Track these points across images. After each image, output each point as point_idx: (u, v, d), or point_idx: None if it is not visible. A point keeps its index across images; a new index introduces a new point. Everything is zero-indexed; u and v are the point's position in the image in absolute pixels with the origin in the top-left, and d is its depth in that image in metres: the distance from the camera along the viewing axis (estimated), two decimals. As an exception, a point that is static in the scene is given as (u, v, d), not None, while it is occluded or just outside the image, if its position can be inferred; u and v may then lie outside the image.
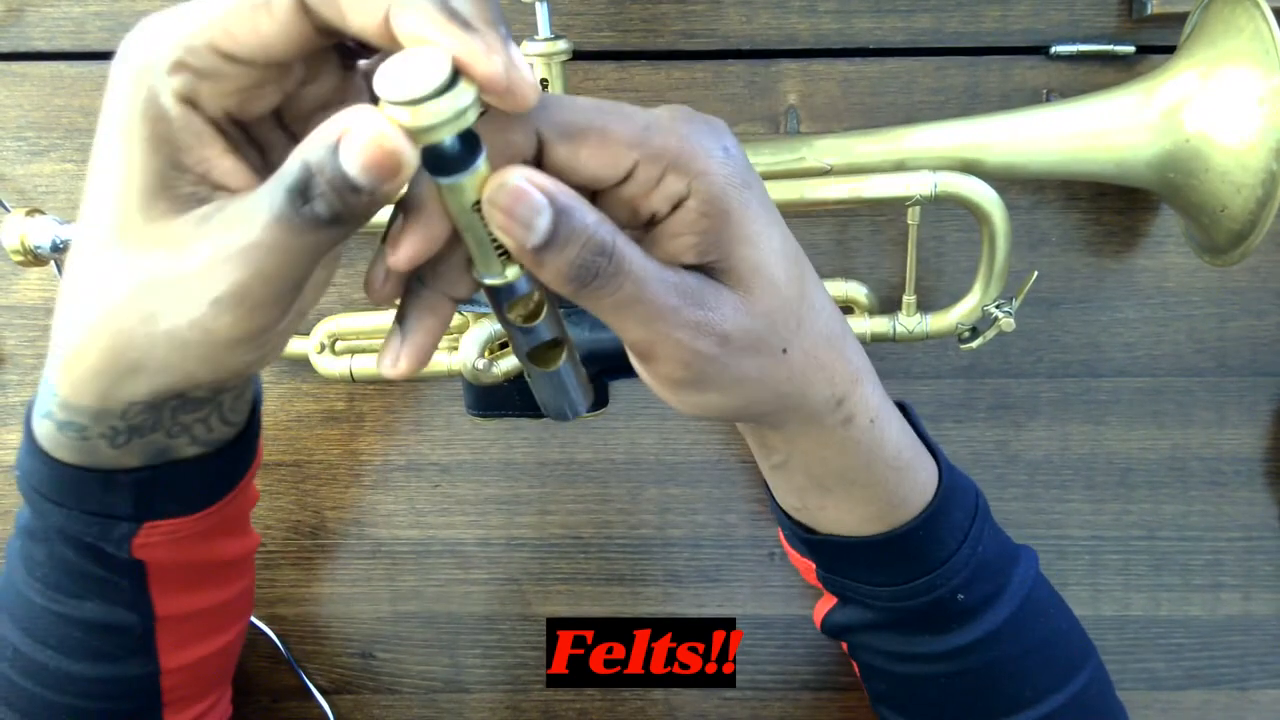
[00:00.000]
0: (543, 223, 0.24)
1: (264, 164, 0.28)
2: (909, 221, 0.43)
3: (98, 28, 0.47)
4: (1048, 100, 0.46)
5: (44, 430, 0.31)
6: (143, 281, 0.27)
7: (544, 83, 0.41)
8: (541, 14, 0.41)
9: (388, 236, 0.26)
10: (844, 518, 0.36)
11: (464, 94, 0.23)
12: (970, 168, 0.43)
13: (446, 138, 0.23)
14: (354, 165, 0.23)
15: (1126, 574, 0.52)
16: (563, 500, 0.52)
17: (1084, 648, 0.40)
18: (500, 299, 0.27)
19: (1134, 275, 0.49)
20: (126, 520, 0.34)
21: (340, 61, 0.28)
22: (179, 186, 0.26)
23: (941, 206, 0.46)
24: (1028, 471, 0.51)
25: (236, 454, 0.35)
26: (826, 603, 0.41)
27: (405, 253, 0.26)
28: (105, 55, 0.47)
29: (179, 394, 0.30)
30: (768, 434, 0.34)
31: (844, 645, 0.42)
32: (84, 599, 0.34)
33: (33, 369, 0.50)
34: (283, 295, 0.26)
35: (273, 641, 0.53)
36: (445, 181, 0.24)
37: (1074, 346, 0.50)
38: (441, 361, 0.46)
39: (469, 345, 0.44)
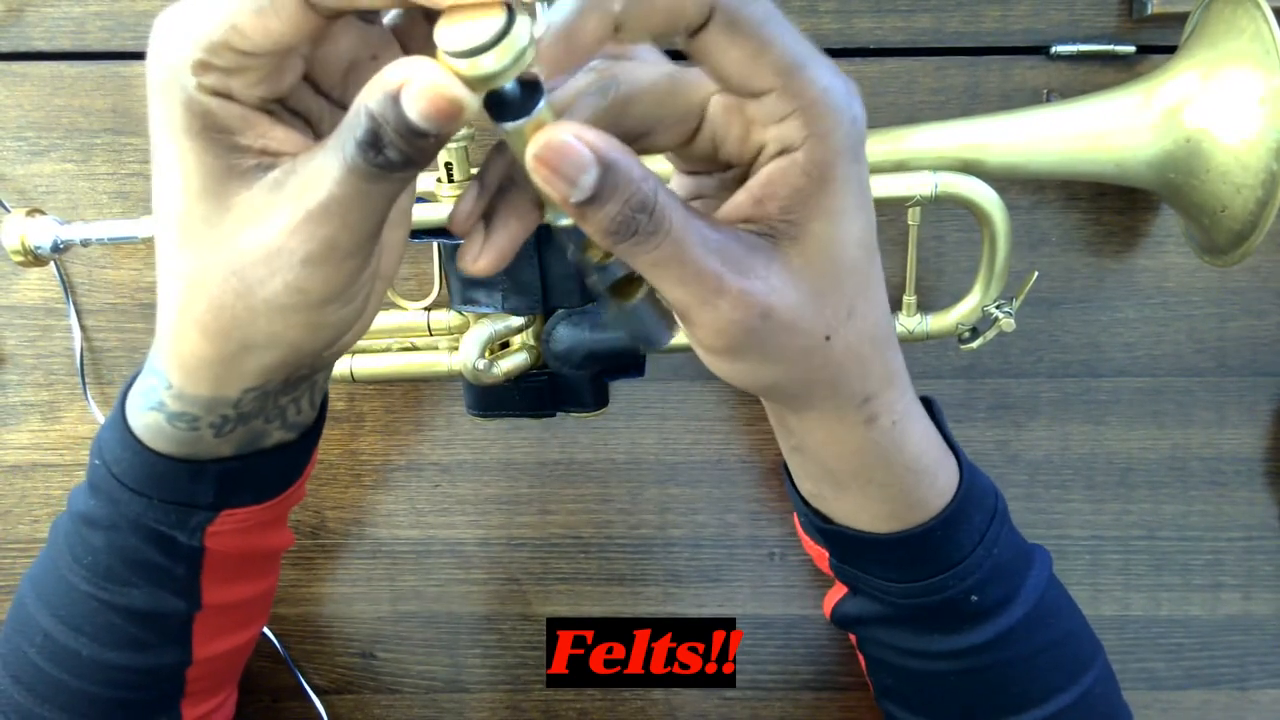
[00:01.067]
0: (588, 180, 0.24)
1: (309, 125, 0.29)
2: (909, 222, 0.43)
3: (98, 28, 0.47)
4: (1048, 100, 0.46)
5: (149, 421, 0.32)
6: (234, 259, 0.27)
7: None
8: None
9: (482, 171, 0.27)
10: (858, 513, 0.36)
11: (516, 41, 0.23)
12: (970, 168, 0.43)
13: (505, 84, 0.23)
14: (416, 112, 0.23)
15: (1126, 574, 0.52)
16: (563, 500, 0.52)
17: (1092, 647, 0.40)
18: (572, 238, 0.27)
19: (1134, 275, 0.49)
20: (206, 509, 0.34)
21: (360, 18, 0.28)
22: (242, 164, 0.27)
23: (941, 206, 0.46)
24: (1028, 471, 0.51)
25: (310, 439, 0.36)
26: (837, 592, 0.41)
27: (491, 176, 0.28)
28: (105, 55, 0.47)
29: (287, 372, 0.31)
30: (788, 416, 0.34)
31: (852, 637, 0.42)
32: (133, 586, 0.34)
33: (32, 369, 0.50)
34: (366, 242, 0.27)
35: (272, 642, 0.53)
36: (506, 126, 0.24)
37: (1074, 346, 0.50)
38: (441, 361, 0.46)
39: (469, 345, 0.44)
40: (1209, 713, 0.52)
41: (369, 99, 0.24)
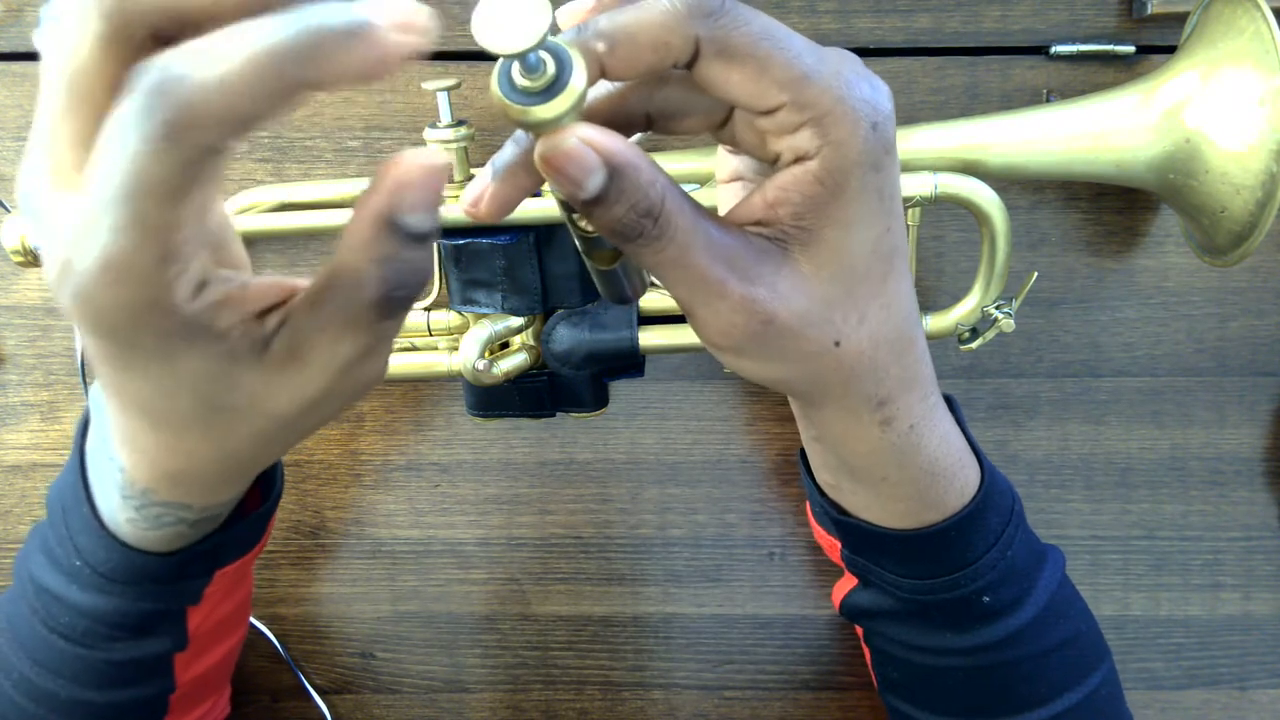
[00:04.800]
0: (594, 183, 0.24)
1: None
2: (909, 222, 0.43)
3: (97, 28, 0.47)
4: (1048, 100, 0.46)
5: (137, 530, 0.31)
6: (264, 433, 0.27)
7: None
8: (443, 102, 0.41)
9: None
10: (874, 508, 0.35)
11: (573, 91, 0.23)
12: (970, 168, 0.43)
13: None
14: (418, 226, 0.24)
15: (1126, 574, 0.52)
16: (563, 500, 0.52)
17: (1100, 648, 0.39)
18: (564, 204, 0.28)
19: (1134, 275, 0.49)
20: (201, 578, 0.34)
21: None
22: (238, 349, 0.26)
23: (941, 207, 0.46)
24: (1028, 471, 0.51)
25: (277, 465, 0.36)
26: (847, 583, 0.41)
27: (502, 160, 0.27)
28: (105, 55, 0.47)
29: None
30: (805, 408, 0.33)
31: (858, 630, 0.42)
32: (117, 642, 0.34)
33: (32, 369, 0.50)
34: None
35: (272, 642, 0.53)
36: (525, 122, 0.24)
37: (1074, 346, 0.50)
38: (441, 362, 0.46)
39: (469, 345, 0.44)
40: (1209, 713, 0.52)
41: (368, 262, 0.23)
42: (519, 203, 0.28)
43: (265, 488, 0.37)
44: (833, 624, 0.53)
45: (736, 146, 0.29)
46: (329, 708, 0.53)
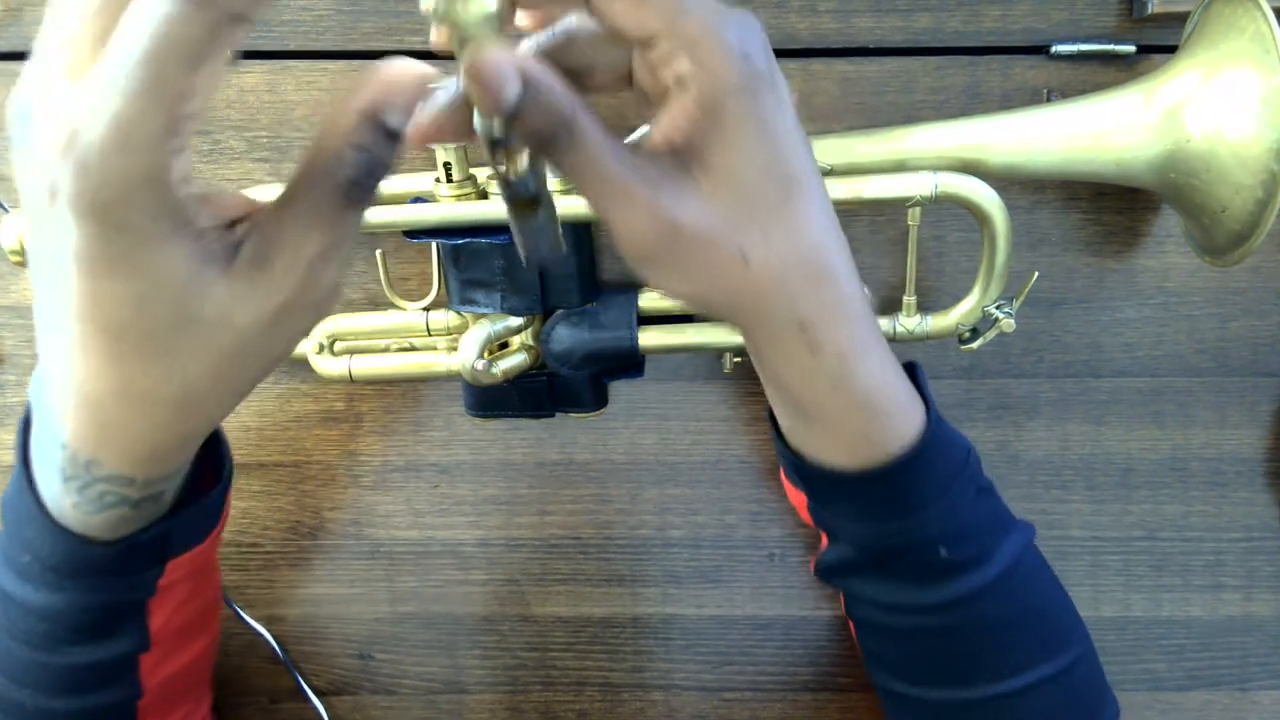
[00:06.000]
0: (511, 91, 0.26)
1: None
2: (909, 222, 0.43)
3: (96, 27, 0.46)
4: (1048, 100, 0.46)
5: (81, 514, 0.31)
6: (228, 347, 0.28)
7: None
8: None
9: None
10: (824, 445, 0.36)
11: None
12: (970, 168, 0.43)
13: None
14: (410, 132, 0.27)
15: (1127, 575, 0.52)
16: (562, 501, 0.52)
17: (1075, 627, 0.40)
18: (491, 150, 0.29)
19: (1134, 275, 0.49)
20: (152, 568, 0.34)
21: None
22: (212, 248, 0.27)
23: (941, 207, 0.46)
24: (1028, 472, 0.51)
25: (224, 450, 0.36)
26: (821, 544, 0.42)
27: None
28: (103, 55, 0.47)
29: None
30: (746, 340, 0.35)
31: (843, 603, 0.43)
32: (78, 645, 0.34)
33: (30, 369, 0.50)
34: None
35: (270, 643, 0.53)
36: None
37: (1074, 347, 0.50)
38: (440, 362, 0.46)
39: (468, 345, 0.44)
40: (1210, 714, 0.52)
41: (346, 146, 0.26)
42: (449, 139, 0.29)
43: (214, 472, 0.37)
44: (832, 625, 0.52)
45: (643, 98, 0.32)
46: (327, 709, 0.53)
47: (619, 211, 0.29)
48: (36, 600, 0.33)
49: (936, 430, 0.36)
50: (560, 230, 0.33)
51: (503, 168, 0.30)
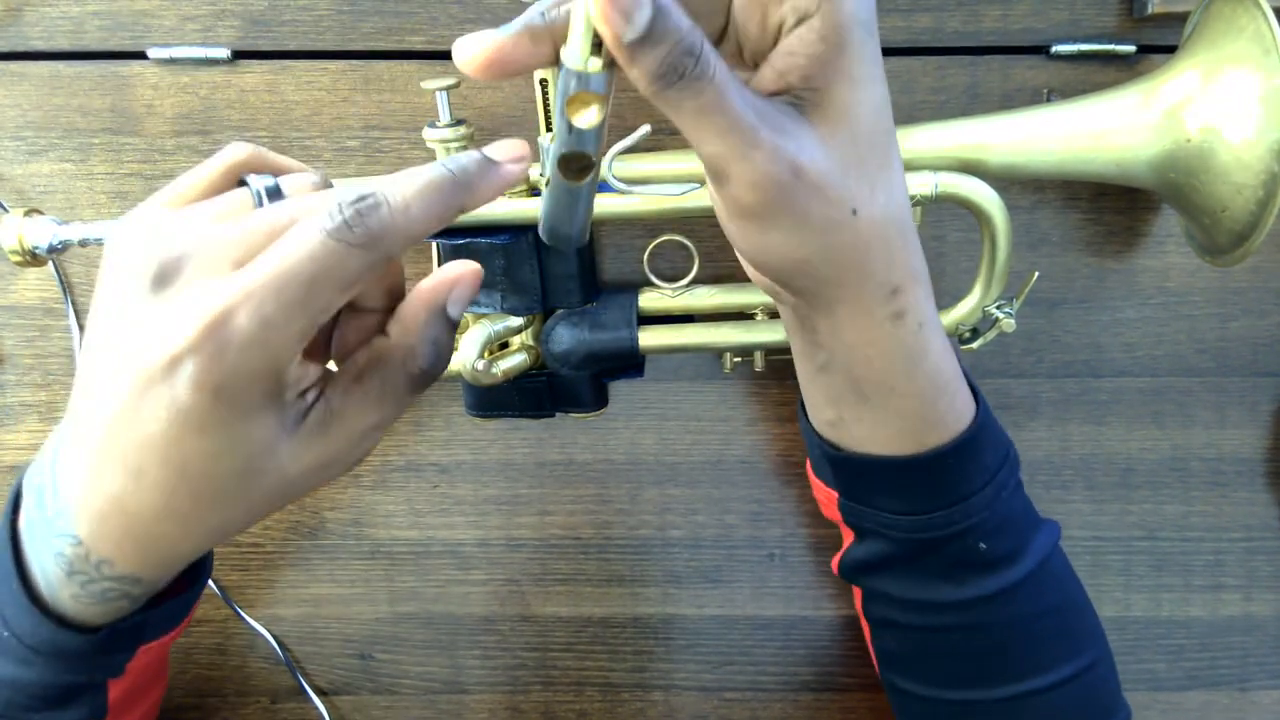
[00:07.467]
0: (642, 17, 0.25)
1: None
2: (909, 221, 0.43)
3: (96, 27, 0.46)
4: (1048, 100, 0.46)
5: (78, 605, 0.31)
6: (278, 492, 0.31)
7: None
8: (442, 102, 0.42)
9: None
10: (876, 433, 0.36)
11: None
12: (971, 168, 0.43)
13: None
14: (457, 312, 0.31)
15: (1127, 575, 0.52)
16: (562, 501, 0.52)
17: (1095, 629, 0.40)
18: (569, 87, 0.28)
19: (1135, 275, 0.49)
20: (125, 652, 0.34)
21: None
22: (289, 415, 0.30)
23: (941, 206, 0.46)
24: (1028, 472, 0.50)
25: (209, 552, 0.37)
26: (846, 541, 0.41)
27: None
28: (104, 55, 0.47)
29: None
30: (819, 322, 0.34)
31: (858, 603, 0.42)
32: (37, 713, 0.34)
33: (30, 369, 0.50)
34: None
35: (270, 643, 0.53)
36: None
37: (1074, 347, 0.50)
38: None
39: (468, 345, 0.44)
40: (1210, 714, 0.52)
41: (421, 341, 0.30)
42: (514, 72, 0.28)
43: (191, 572, 0.37)
44: (833, 625, 0.52)
45: (733, 55, 0.31)
46: (328, 709, 0.53)
47: (740, 154, 0.28)
48: (5, 672, 0.33)
49: (985, 416, 0.36)
50: (591, 214, 0.32)
51: (570, 110, 0.28)
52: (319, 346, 0.32)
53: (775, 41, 0.29)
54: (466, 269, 0.30)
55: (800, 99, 0.29)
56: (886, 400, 0.35)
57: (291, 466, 0.29)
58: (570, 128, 0.28)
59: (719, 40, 0.31)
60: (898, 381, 0.34)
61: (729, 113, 0.27)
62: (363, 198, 0.27)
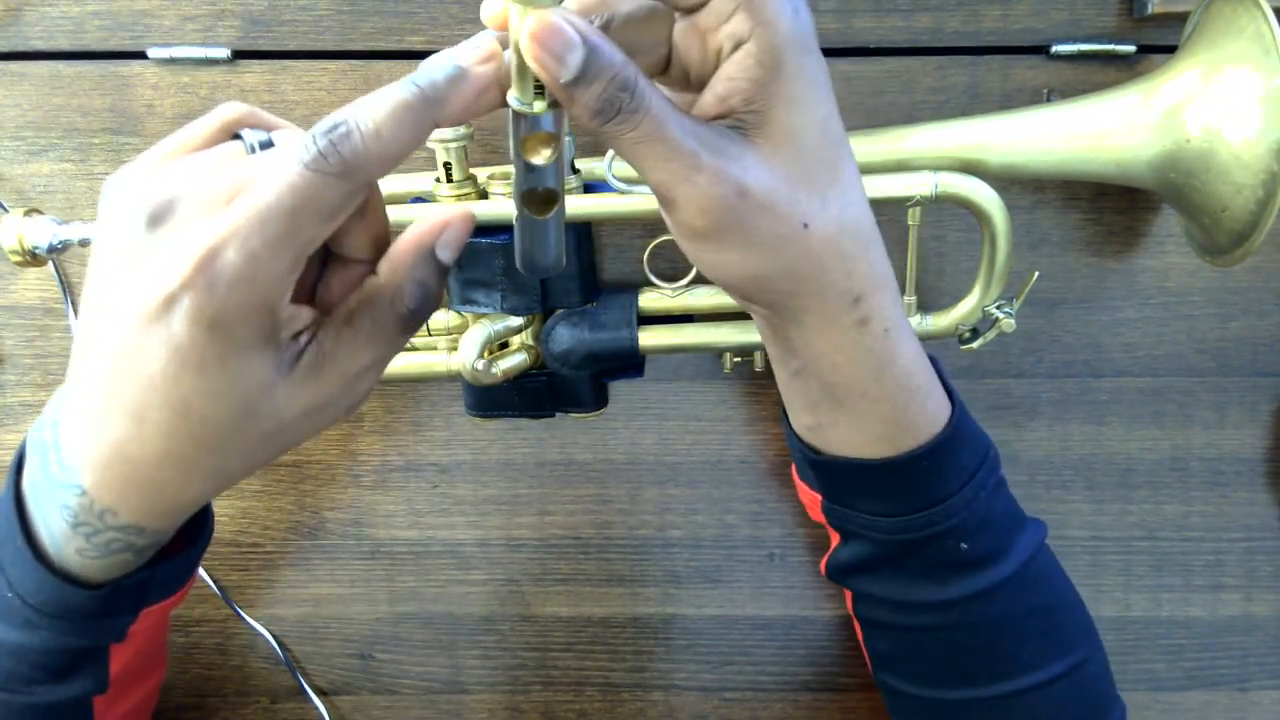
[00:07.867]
0: (575, 58, 0.26)
1: None
2: (909, 222, 0.43)
3: (96, 27, 0.46)
4: (1048, 100, 0.46)
5: (83, 559, 0.32)
6: (276, 439, 0.31)
7: None
8: None
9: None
10: (851, 437, 0.36)
11: None
12: (971, 168, 0.43)
13: None
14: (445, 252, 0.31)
15: (1127, 575, 0.52)
16: (562, 501, 0.52)
17: (1086, 626, 0.40)
18: (520, 129, 0.29)
19: (1135, 275, 0.49)
20: (129, 614, 0.35)
21: None
22: (284, 355, 0.30)
23: (941, 206, 0.46)
24: (1028, 471, 0.51)
25: (208, 508, 0.37)
26: (832, 543, 0.41)
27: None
28: (104, 55, 0.47)
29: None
30: (789, 330, 0.34)
31: (849, 604, 0.42)
32: (40, 684, 0.34)
33: (30, 369, 0.50)
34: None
35: (270, 643, 0.53)
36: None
37: (1074, 347, 0.50)
38: (440, 362, 0.46)
39: (468, 345, 0.44)
40: (1210, 714, 0.52)
41: (408, 281, 0.30)
42: (473, 117, 0.29)
43: (192, 532, 0.37)
44: (832, 625, 0.52)
45: (675, 87, 0.32)
46: (328, 709, 0.53)
47: (684, 179, 0.29)
48: (8, 638, 0.33)
49: (961, 417, 0.36)
50: (564, 240, 0.32)
51: (526, 150, 0.29)
52: (305, 293, 0.32)
53: (716, 66, 0.30)
54: (458, 213, 0.30)
55: (743, 121, 0.29)
56: (858, 405, 0.35)
57: (287, 409, 0.29)
58: (528, 166, 0.29)
59: (664, 68, 0.32)
60: (867, 386, 0.34)
61: (668, 140, 0.28)
62: (334, 127, 0.27)
